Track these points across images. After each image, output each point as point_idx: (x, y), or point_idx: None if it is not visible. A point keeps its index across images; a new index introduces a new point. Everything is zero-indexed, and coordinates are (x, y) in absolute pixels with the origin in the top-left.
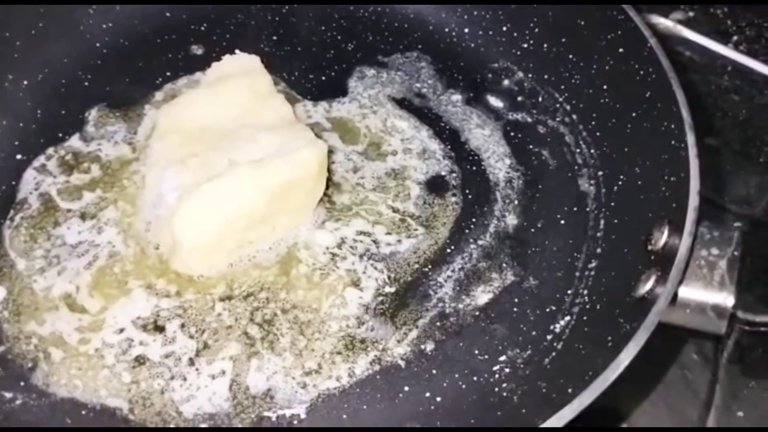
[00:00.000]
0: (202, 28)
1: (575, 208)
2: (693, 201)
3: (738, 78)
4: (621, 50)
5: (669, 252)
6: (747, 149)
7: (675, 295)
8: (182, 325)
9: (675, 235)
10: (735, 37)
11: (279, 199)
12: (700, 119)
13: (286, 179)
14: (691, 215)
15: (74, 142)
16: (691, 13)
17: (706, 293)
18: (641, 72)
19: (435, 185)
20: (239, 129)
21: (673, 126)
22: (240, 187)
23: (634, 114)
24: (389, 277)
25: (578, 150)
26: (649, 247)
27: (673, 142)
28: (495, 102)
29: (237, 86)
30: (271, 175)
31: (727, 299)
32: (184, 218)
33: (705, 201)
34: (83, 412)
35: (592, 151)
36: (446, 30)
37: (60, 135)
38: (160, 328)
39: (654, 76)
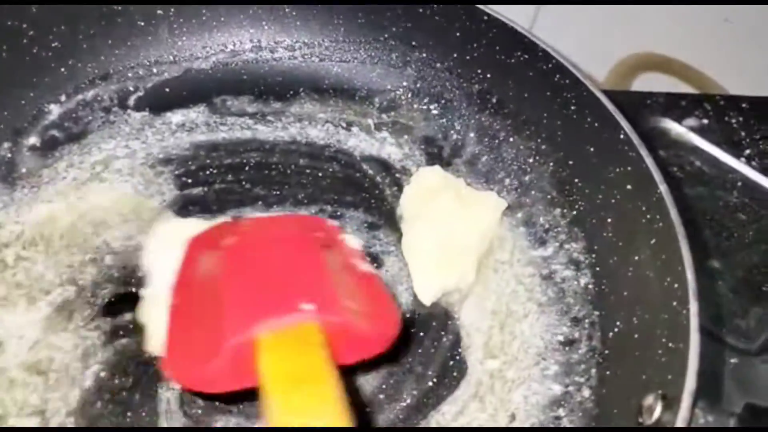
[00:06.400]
0: None
1: (567, 348)
2: (690, 383)
3: (747, 195)
4: (629, 187)
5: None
6: (751, 276)
7: None
8: None
9: (668, 413)
10: (748, 151)
11: None
12: (704, 239)
13: None
14: (687, 400)
15: None
16: (705, 121)
17: None
18: (648, 216)
19: None
20: None
21: (676, 286)
22: None
23: (636, 258)
24: None
25: (576, 282)
26: (640, 420)
27: (675, 304)
28: None
29: None
30: None
31: None
32: None
33: (701, 330)
34: None
35: (589, 286)
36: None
37: None
38: None
39: (661, 224)
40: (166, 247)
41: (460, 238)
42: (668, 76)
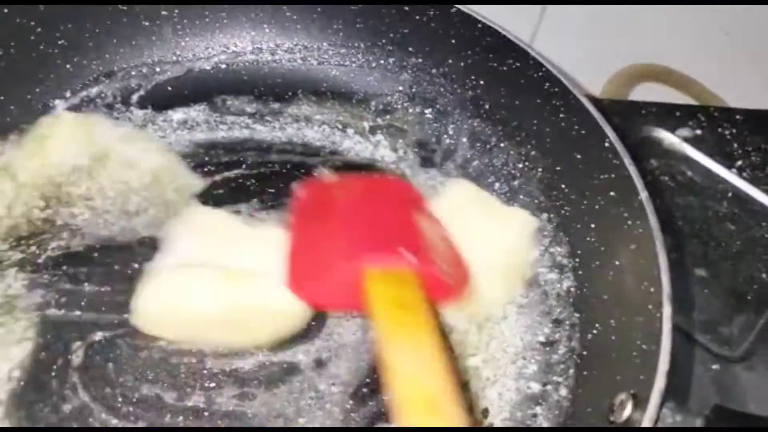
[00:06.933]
0: None
1: (547, 348)
2: (659, 383)
3: (737, 206)
4: (612, 194)
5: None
6: (737, 285)
7: None
8: None
9: (638, 412)
10: (739, 162)
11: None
12: (692, 248)
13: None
14: (655, 398)
15: None
16: (698, 131)
17: None
18: (629, 222)
19: None
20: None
21: (652, 290)
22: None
23: (617, 262)
24: None
25: (559, 284)
26: (611, 418)
27: (650, 307)
28: None
29: None
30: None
31: None
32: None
33: (684, 335)
34: None
35: (572, 289)
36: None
37: None
38: None
39: (641, 230)
40: (188, 231)
41: (487, 253)
42: (668, 87)
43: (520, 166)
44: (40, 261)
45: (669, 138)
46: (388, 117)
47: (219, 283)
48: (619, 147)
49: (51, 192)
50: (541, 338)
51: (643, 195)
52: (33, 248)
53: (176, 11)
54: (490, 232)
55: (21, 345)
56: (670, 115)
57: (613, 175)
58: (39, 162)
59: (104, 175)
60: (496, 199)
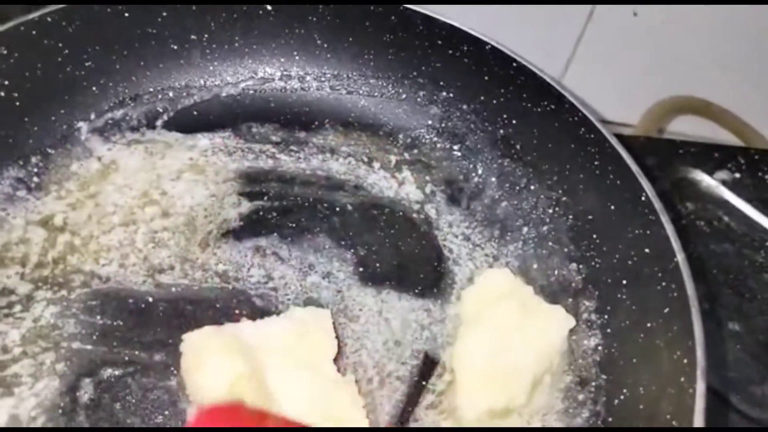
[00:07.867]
0: None
1: (570, 410)
2: None
3: None
4: (647, 251)
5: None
6: None
7: None
8: None
9: None
10: None
11: None
12: (725, 299)
13: None
14: None
15: None
16: (737, 175)
17: None
18: (663, 284)
19: None
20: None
21: (686, 361)
22: None
23: (648, 324)
24: None
25: (585, 341)
26: None
27: (682, 380)
28: None
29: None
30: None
31: None
32: None
33: (713, 394)
34: None
35: (599, 348)
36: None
37: None
38: None
39: (675, 294)
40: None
41: (517, 355)
42: (707, 121)
43: (550, 211)
44: (72, 297)
45: (706, 180)
46: (415, 152)
47: None
48: (656, 203)
49: (84, 243)
50: (564, 398)
51: (680, 257)
52: (63, 292)
53: (206, 35)
54: (525, 329)
55: (49, 378)
56: (708, 156)
57: (648, 232)
58: (87, 213)
59: (142, 225)
60: (533, 292)
